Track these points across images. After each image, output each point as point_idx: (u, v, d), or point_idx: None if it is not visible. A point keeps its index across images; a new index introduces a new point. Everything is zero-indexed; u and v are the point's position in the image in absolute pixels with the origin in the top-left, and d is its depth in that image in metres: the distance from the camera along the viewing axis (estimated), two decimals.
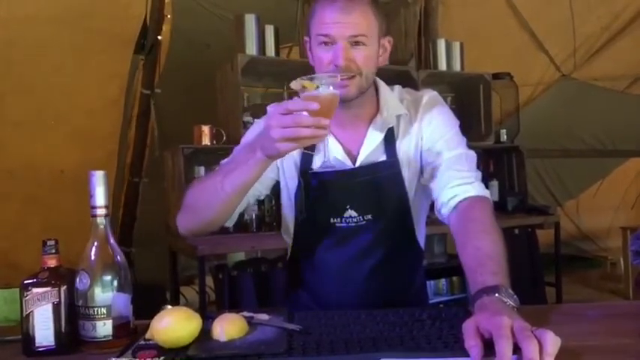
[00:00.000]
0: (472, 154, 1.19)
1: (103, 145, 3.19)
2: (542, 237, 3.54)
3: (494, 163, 3.75)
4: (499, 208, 3.52)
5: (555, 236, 3.44)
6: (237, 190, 1.06)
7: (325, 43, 1.12)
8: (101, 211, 0.94)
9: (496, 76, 3.71)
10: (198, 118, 2.93)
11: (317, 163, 1.21)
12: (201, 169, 2.79)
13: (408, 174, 1.21)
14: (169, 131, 3.22)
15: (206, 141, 2.82)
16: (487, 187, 1.16)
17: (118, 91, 3.21)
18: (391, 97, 1.24)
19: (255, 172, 1.03)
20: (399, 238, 1.23)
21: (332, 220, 1.20)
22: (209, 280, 2.68)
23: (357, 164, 1.20)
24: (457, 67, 3.59)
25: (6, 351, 0.93)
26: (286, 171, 1.26)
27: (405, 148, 1.21)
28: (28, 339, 0.90)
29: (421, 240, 1.30)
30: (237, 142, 1.30)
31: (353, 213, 1.19)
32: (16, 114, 2.87)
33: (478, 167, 1.19)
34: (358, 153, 1.21)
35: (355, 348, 0.83)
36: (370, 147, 1.20)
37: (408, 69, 3.33)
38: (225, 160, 1.23)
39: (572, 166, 4.68)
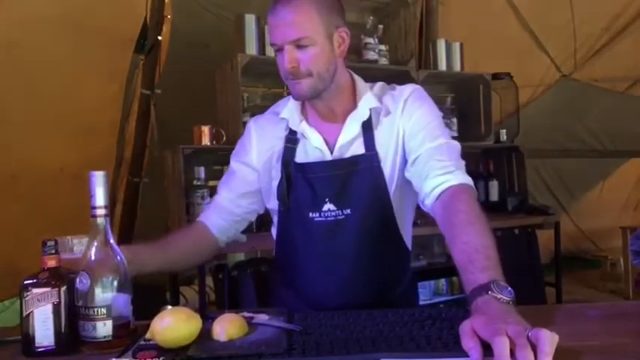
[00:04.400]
0: (455, 144, 1.19)
1: (102, 143, 3.19)
2: (543, 237, 3.54)
3: (494, 163, 3.74)
4: (499, 208, 3.51)
5: (555, 236, 3.44)
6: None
7: (278, 51, 1.17)
8: (101, 212, 0.94)
9: (496, 76, 3.70)
10: (198, 118, 2.92)
11: (299, 156, 1.24)
12: (201, 170, 2.78)
13: (387, 168, 1.21)
14: (169, 131, 3.22)
15: (206, 141, 2.82)
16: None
17: (118, 90, 3.21)
18: (366, 91, 1.24)
19: None
20: (382, 236, 1.22)
21: (311, 215, 1.20)
22: (209, 280, 2.67)
23: (334, 155, 1.22)
24: (457, 67, 3.59)
25: (6, 351, 0.93)
26: (272, 166, 1.27)
27: (383, 141, 1.21)
28: (28, 339, 0.90)
29: (407, 240, 1.29)
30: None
31: (331, 207, 1.19)
32: (16, 113, 2.87)
33: (464, 159, 1.19)
34: (335, 144, 1.22)
35: (355, 348, 0.83)
36: (346, 138, 1.21)
37: (407, 69, 3.33)
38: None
39: (572, 166, 4.68)
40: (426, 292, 3.26)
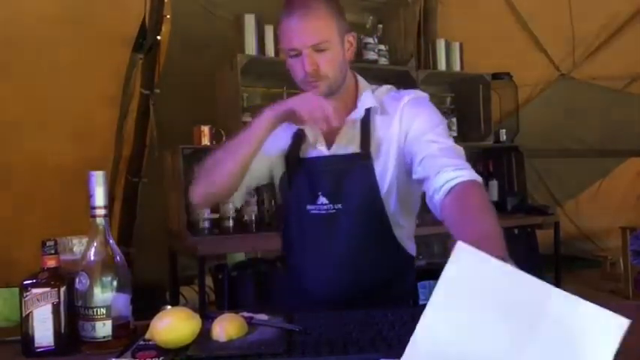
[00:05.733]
0: (460, 149, 1.21)
1: (100, 141, 3.19)
2: (542, 237, 3.54)
3: (493, 163, 3.75)
4: (498, 208, 3.51)
5: (555, 236, 3.44)
6: (245, 152, 1.19)
7: (294, 55, 1.19)
8: (100, 212, 0.94)
9: (495, 76, 3.71)
10: (197, 118, 2.93)
11: (302, 151, 1.29)
12: None
13: (379, 168, 1.24)
14: (169, 131, 3.22)
15: (206, 141, 2.82)
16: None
17: (116, 89, 3.20)
18: (367, 92, 1.29)
19: (261, 131, 1.18)
20: (373, 232, 1.25)
21: (308, 207, 1.26)
22: (209, 280, 2.67)
23: (331, 151, 1.26)
24: (456, 67, 3.59)
25: (6, 351, 0.93)
26: (278, 160, 1.32)
27: (379, 142, 1.25)
28: (28, 339, 0.90)
29: (406, 241, 1.30)
30: None
31: (324, 200, 1.24)
32: (15, 112, 2.87)
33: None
34: (334, 142, 1.27)
35: (354, 348, 0.83)
36: (344, 136, 1.26)
37: (407, 69, 3.32)
38: None
39: (571, 165, 4.68)
40: (426, 292, 3.25)
